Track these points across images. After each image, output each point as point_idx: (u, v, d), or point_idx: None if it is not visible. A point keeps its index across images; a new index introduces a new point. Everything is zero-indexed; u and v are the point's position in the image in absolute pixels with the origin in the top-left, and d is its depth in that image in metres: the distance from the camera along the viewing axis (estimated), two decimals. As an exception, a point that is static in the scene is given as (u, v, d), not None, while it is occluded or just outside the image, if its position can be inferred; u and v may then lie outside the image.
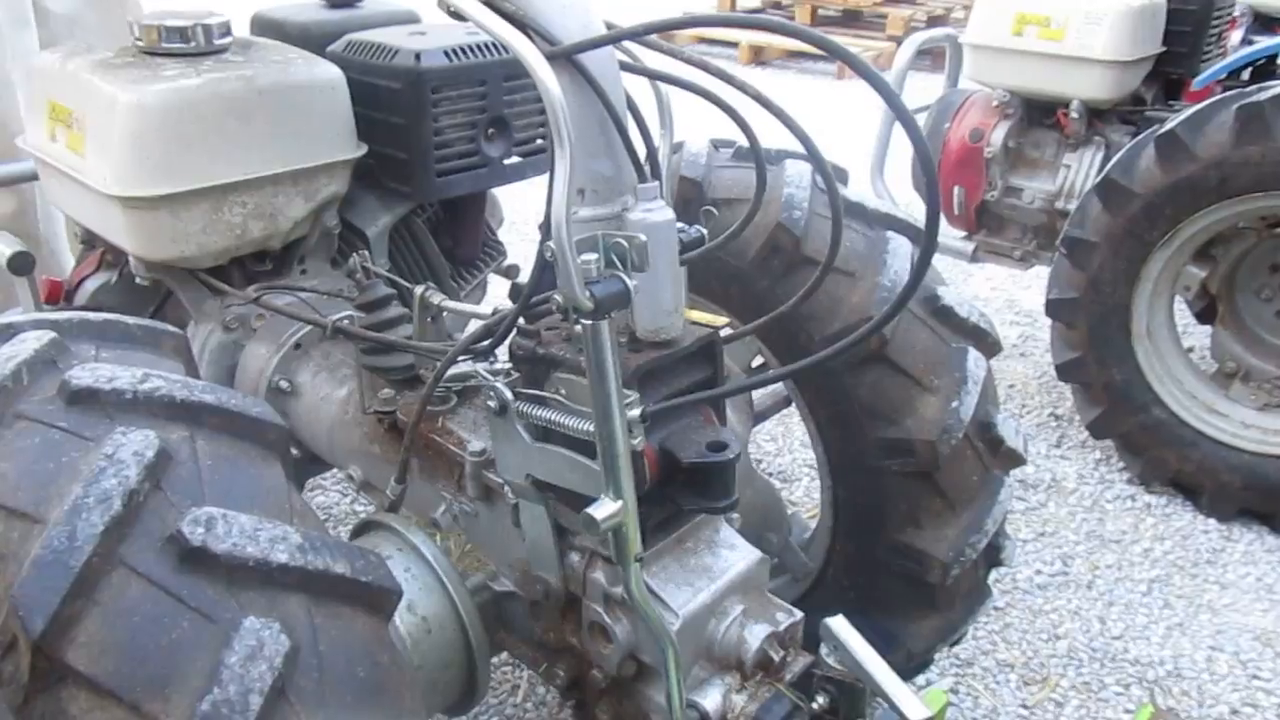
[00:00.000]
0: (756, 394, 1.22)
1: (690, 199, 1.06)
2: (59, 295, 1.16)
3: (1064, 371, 1.73)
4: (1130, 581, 1.50)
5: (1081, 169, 1.90)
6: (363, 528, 0.92)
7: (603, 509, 0.66)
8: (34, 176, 1.18)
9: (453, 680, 0.88)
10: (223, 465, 0.59)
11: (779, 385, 1.19)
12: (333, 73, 1.08)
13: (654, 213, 0.70)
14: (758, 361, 1.18)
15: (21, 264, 1.04)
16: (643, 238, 0.63)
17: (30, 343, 0.62)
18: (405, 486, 0.91)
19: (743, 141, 0.83)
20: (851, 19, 5.88)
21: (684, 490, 0.75)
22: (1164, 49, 1.88)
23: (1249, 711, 1.27)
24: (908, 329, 0.97)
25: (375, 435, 0.99)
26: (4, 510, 0.54)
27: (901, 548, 0.99)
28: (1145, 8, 1.80)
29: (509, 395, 0.76)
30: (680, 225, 0.78)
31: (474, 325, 0.90)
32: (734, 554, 0.81)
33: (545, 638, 0.87)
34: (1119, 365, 1.65)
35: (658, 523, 0.78)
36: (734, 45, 5.48)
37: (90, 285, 1.16)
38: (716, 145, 1.14)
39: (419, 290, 0.94)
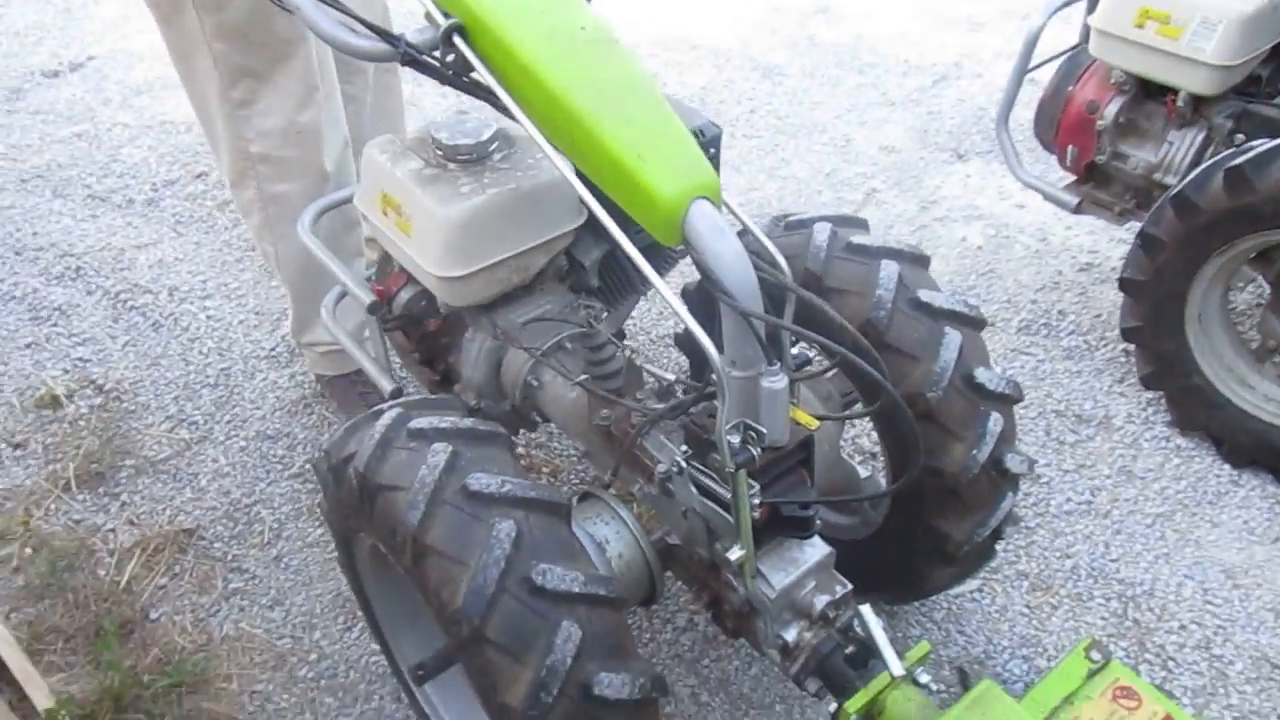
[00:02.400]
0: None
1: (808, 283, 1.50)
2: (384, 301, 1.72)
3: (1126, 334, 2.12)
4: (1140, 514, 1.96)
5: (1182, 147, 2.16)
6: (585, 495, 1.50)
7: (734, 553, 1.21)
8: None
9: (639, 589, 1.48)
10: (543, 532, 1.16)
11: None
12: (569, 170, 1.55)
13: (776, 381, 1.19)
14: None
15: (374, 308, 1.60)
16: (763, 429, 1.13)
17: (442, 455, 1.18)
18: (615, 478, 1.47)
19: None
20: None
21: (784, 526, 1.29)
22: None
23: (1194, 627, 1.76)
24: (950, 401, 1.43)
25: (594, 432, 1.54)
26: (448, 558, 1.12)
27: (932, 528, 1.50)
28: (1261, 11, 1.99)
29: (684, 463, 1.30)
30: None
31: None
32: (812, 549, 1.35)
33: (696, 575, 1.45)
34: (1170, 339, 2.03)
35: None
36: None
37: (403, 296, 1.72)
38: (781, 222, 1.57)
39: (626, 352, 1.46)
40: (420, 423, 1.26)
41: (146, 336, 2.45)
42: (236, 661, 1.79)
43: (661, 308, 2.43)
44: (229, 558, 1.97)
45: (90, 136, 3.19)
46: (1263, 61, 2.09)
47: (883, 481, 1.74)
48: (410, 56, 1.27)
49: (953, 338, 1.44)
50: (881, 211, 2.82)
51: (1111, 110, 2.20)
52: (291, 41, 1.74)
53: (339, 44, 1.27)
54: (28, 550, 1.99)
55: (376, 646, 1.70)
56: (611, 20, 1.30)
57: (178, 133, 3.19)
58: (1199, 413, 2.06)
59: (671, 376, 1.46)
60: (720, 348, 1.14)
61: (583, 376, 1.49)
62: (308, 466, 2.11)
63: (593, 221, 1.60)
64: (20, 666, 1.73)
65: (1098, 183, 2.34)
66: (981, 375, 1.44)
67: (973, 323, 1.49)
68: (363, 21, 1.25)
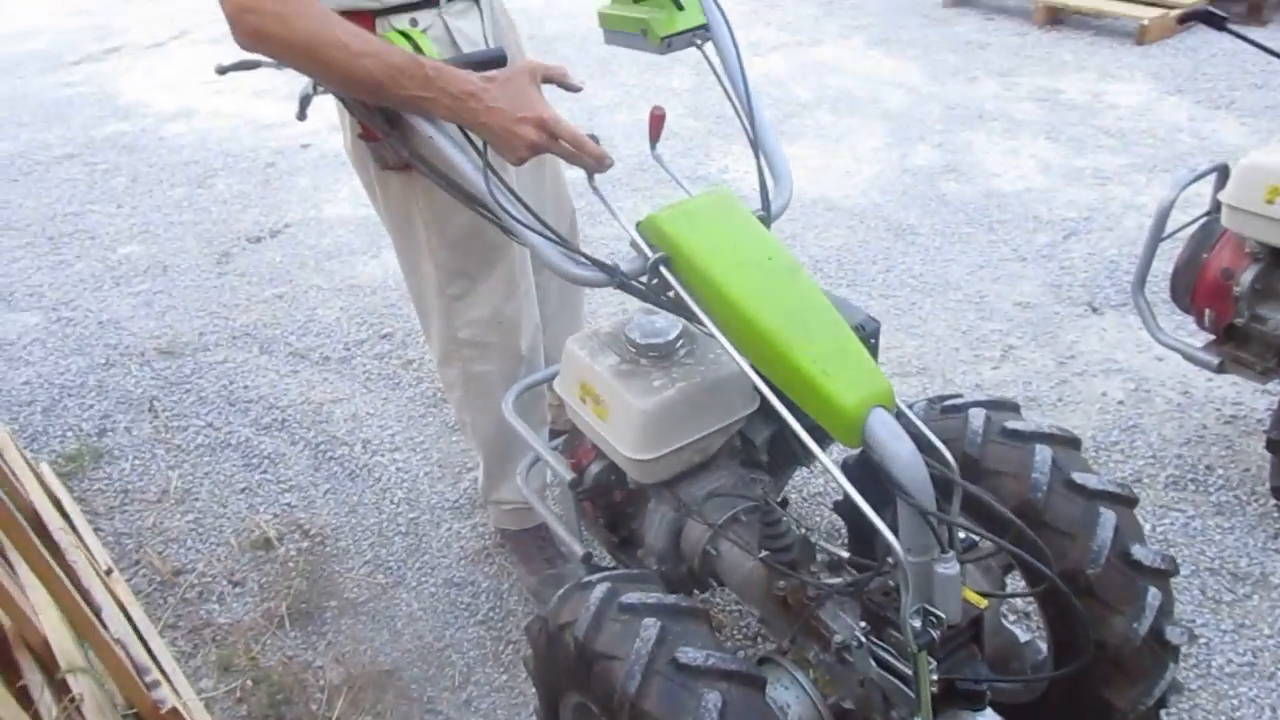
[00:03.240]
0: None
1: (966, 465, 1.65)
2: (580, 470, 1.94)
3: (1277, 492, 2.18)
4: (1299, 680, 1.99)
5: (1319, 313, 2.26)
6: (764, 659, 1.65)
7: (915, 726, 1.34)
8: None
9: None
10: (744, 703, 1.32)
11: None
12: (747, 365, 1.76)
13: (950, 567, 1.34)
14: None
15: (575, 484, 1.83)
16: (941, 614, 1.28)
17: (653, 630, 1.36)
18: (793, 645, 1.62)
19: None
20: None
21: (959, 699, 1.41)
22: None
23: (1368, 802, 1.78)
24: (1108, 577, 1.54)
25: (771, 601, 1.70)
26: (667, 726, 1.29)
27: (1097, 697, 1.59)
28: (1390, 191, 2.10)
29: (863, 638, 1.44)
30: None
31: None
32: (984, 719, 1.47)
33: (872, 737, 1.57)
34: (1322, 502, 2.08)
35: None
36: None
37: (593, 469, 1.93)
38: (937, 406, 1.73)
39: (802, 530, 1.63)
40: (630, 598, 1.45)
41: (344, 485, 2.74)
42: (435, 798, 1.97)
43: (813, 469, 2.59)
44: (425, 699, 2.17)
45: (289, 298, 3.60)
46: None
47: (1042, 645, 1.83)
48: (622, 282, 1.51)
49: (1108, 517, 1.56)
50: (1019, 368, 2.94)
51: (1247, 277, 2.31)
52: (500, 248, 2.02)
53: (566, 274, 1.52)
54: (249, 682, 2.24)
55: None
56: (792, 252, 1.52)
57: (364, 295, 3.58)
58: (1358, 578, 2.09)
59: (844, 553, 1.62)
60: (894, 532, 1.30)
61: (763, 553, 1.66)
62: (492, 614, 2.32)
63: (764, 405, 1.81)
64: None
65: (1238, 343, 2.42)
66: (1138, 552, 1.55)
67: (1126, 501, 1.60)
68: (588, 256, 1.50)
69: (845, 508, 2.05)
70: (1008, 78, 4.97)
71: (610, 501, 1.95)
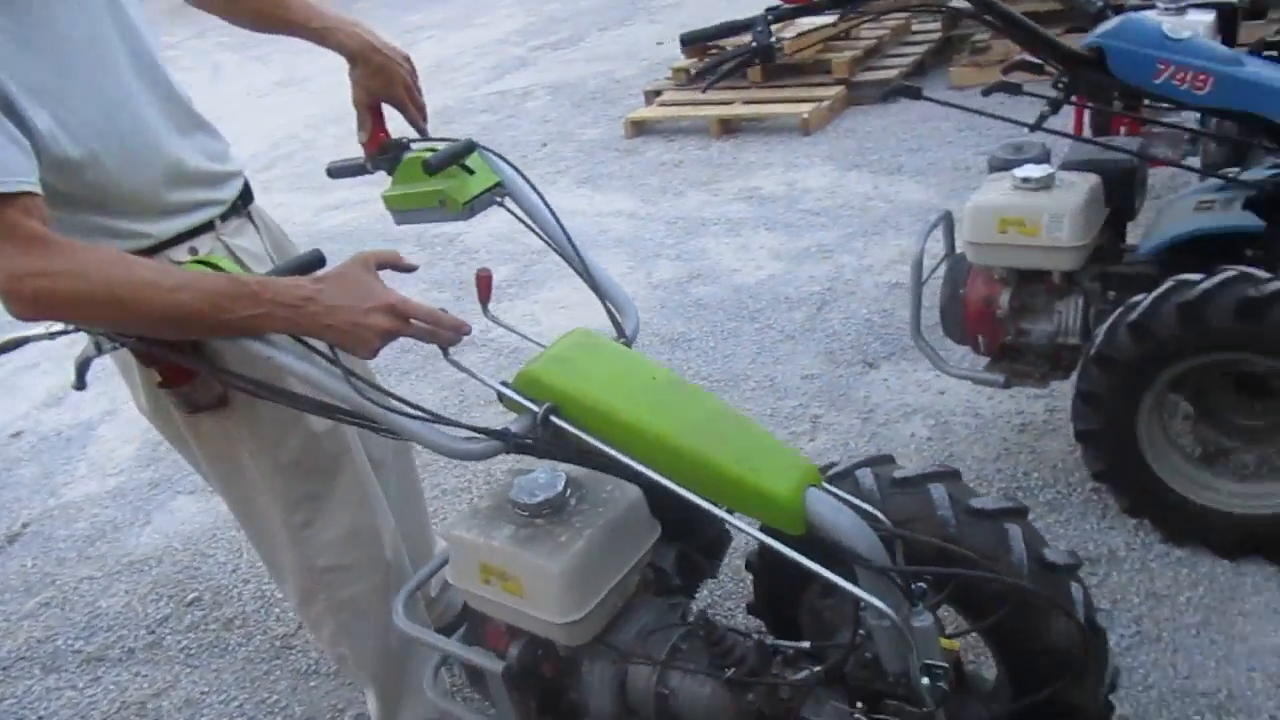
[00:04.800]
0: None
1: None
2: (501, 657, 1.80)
3: (1098, 477, 2.42)
4: (1184, 629, 2.18)
5: (1070, 313, 2.57)
6: (760, 781, 1.59)
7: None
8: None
9: None
10: None
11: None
12: (636, 491, 1.74)
13: (925, 619, 1.36)
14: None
15: (509, 671, 1.70)
16: (944, 665, 1.30)
17: None
18: (781, 754, 1.57)
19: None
20: (796, 71, 6.51)
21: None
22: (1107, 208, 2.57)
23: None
24: (1037, 586, 1.63)
25: (744, 717, 1.65)
26: None
27: (1061, 703, 1.66)
28: (1090, 199, 2.46)
29: (864, 718, 1.43)
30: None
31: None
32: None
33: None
34: (1137, 469, 2.33)
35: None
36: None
37: (513, 652, 1.81)
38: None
39: (756, 636, 1.61)
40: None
41: (203, 781, 2.39)
42: None
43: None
44: None
45: (59, 602, 3.14)
46: (1099, 234, 2.56)
47: (986, 675, 1.89)
48: (518, 445, 1.46)
49: (1014, 531, 1.66)
50: (832, 434, 3.11)
51: (1004, 300, 2.60)
52: (339, 456, 1.90)
53: (454, 453, 1.46)
54: None
55: None
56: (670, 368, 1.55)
57: (150, 568, 3.20)
58: (1184, 525, 2.34)
59: (804, 644, 1.61)
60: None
61: (729, 671, 1.61)
62: None
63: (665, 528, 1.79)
64: None
65: (1013, 359, 2.71)
66: (1050, 555, 1.66)
67: (1020, 513, 1.71)
68: (474, 428, 1.44)
69: (759, 608, 2.05)
70: (710, 186, 5.39)
71: (539, 680, 1.83)
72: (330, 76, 9.86)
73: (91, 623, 3.01)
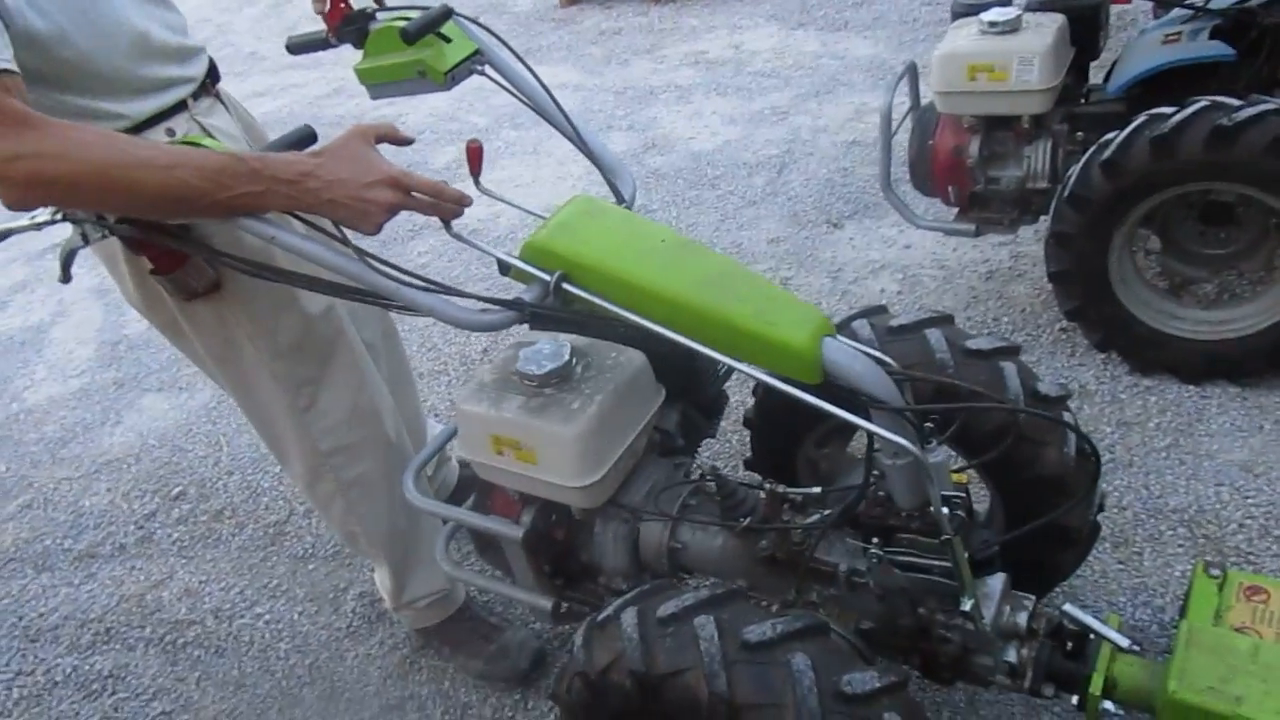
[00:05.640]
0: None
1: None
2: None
3: (1070, 315, 2.50)
4: (1154, 452, 2.30)
5: (1039, 157, 2.60)
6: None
7: (966, 604, 1.42)
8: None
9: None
10: (825, 651, 1.33)
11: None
12: (640, 356, 1.76)
13: (938, 455, 1.42)
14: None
15: (529, 538, 1.74)
16: (961, 495, 1.36)
17: (710, 625, 1.34)
18: (799, 595, 1.65)
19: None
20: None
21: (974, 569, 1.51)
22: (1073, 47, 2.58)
23: (1248, 521, 2.09)
24: (1029, 417, 1.70)
25: (758, 564, 1.72)
26: (765, 706, 1.27)
27: (1054, 525, 1.75)
28: (1058, 40, 2.46)
29: (880, 553, 1.50)
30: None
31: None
32: (994, 581, 1.57)
33: (900, 646, 1.64)
34: (1107, 304, 2.41)
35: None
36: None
37: (525, 519, 1.85)
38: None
39: (768, 485, 1.66)
40: (668, 608, 1.41)
41: (217, 665, 2.43)
42: None
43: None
44: (423, 832, 1.99)
45: (40, 503, 3.12)
46: (1065, 75, 2.57)
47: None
48: (533, 313, 1.47)
49: (1009, 368, 1.72)
50: (805, 294, 3.15)
51: (974, 149, 2.62)
52: (334, 339, 1.88)
53: (471, 325, 1.45)
54: None
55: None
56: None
57: (129, 466, 3.17)
58: (1151, 355, 2.44)
59: (815, 489, 1.67)
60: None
61: (745, 520, 1.67)
62: (446, 717, 2.16)
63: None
64: None
65: (982, 207, 2.75)
66: (1043, 388, 1.73)
67: (1013, 351, 1.77)
68: (490, 299, 1.44)
69: (757, 461, 2.11)
70: (654, 53, 5.27)
71: (553, 544, 1.88)
72: (239, -48, 9.29)
73: (77, 522, 2.99)
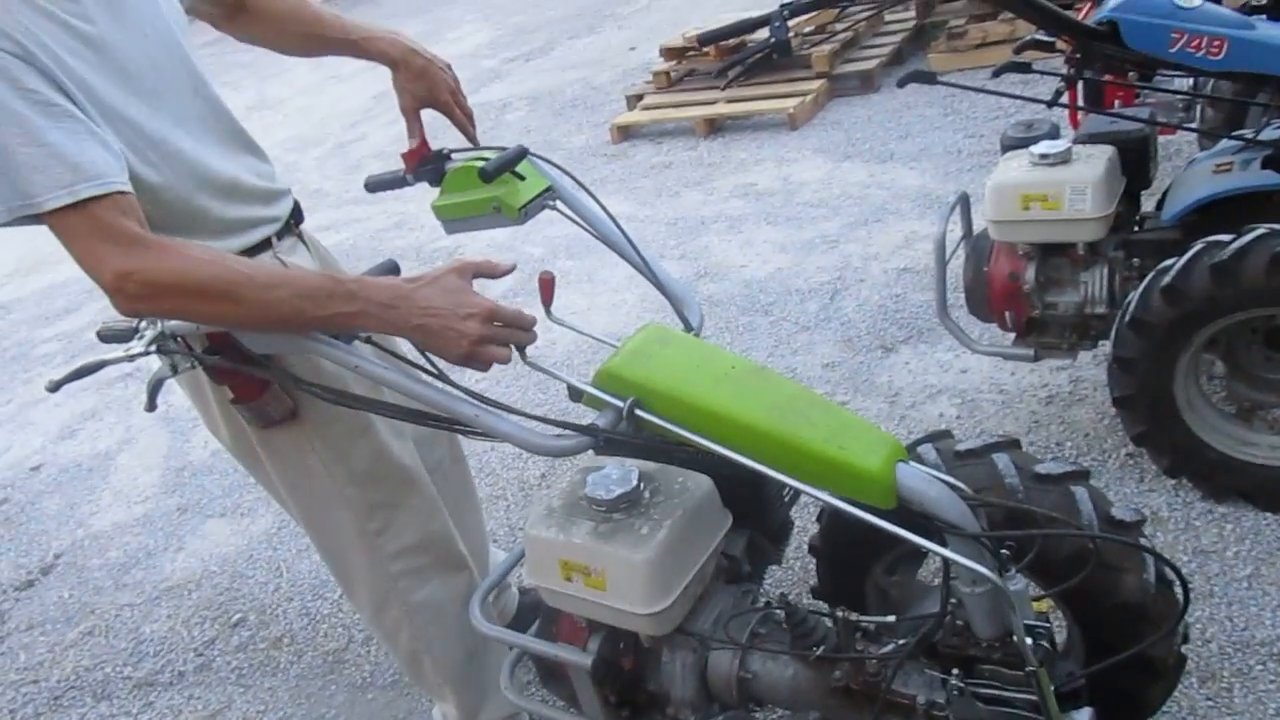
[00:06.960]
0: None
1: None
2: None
3: (1138, 440, 2.47)
4: (1235, 581, 2.23)
5: (1095, 282, 2.62)
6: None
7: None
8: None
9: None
10: None
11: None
12: (707, 481, 1.77)
13: (1017, 583, 1.40)
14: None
15: (597, 667, 1.72)
16: (1046, 625, 1.33)
17: None
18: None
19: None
20: (776, 66, 6.55)
21: (1061, 701, 1.46)
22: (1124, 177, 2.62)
23: (1341, 656, 2.01)
24: (1105, 544, 1.67)
25: (832, 695, 1.68)
26: None
27: (1140, 656, 1.70)
28: (1109, 169, 2.51)
29: (961, 685, 1.46)
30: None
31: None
32: (1082, 715, 1.52)
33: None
34: (1175, 430, 2.38)
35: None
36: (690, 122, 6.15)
37: (592, 646, 1.83)
38: None
39: (840, 613, 1.64)
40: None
41: (271, 800, 2.39)
42: None
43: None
44: None
45: (101, 630, 3.14)
46: (1118, 203, 2.61)
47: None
48: (608, 439, 1.49)
49: (1081, 493, 1.70)
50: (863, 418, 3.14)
51: (1030, 274, 2.65)
52: (409, 465, 1.92)
53: (548, 451, 1.48)
54: None
55: None
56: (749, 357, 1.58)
57: (190, 593, 3.20)
58: (1225, 482, 2.39)
59: (890, 618, 1.64)
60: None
61: (818, 650, 1.64)
62: None
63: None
64: None
65: (1040, 332, 2.76)
66: (1117, 513, 1.70)
67: (1083, 475, 1.75)
68: (564, 424, 1.47)
69: (823, 590, 2.08)
70: (704, 185, 5.44)
71: (620, 673, 1.85)
72: (305, 98, 9.86)
73: (137, 649, 3.00)
